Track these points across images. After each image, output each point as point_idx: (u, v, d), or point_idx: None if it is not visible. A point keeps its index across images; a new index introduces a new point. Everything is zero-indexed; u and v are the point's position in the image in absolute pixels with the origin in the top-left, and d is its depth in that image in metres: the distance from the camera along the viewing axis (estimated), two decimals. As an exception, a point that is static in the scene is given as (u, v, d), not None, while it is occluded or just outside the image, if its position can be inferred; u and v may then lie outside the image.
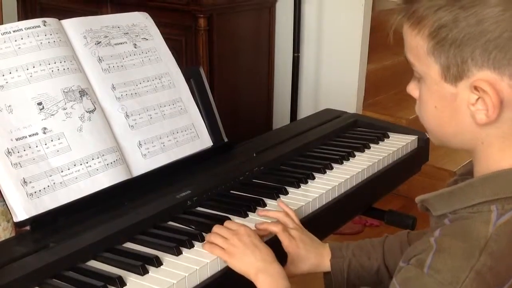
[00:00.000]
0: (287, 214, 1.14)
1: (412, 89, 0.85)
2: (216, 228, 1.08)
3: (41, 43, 1.19)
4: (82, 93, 1.21)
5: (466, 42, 0.74)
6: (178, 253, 1.04)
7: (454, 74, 0.76)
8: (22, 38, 1.17)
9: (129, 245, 1.08)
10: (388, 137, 1.65)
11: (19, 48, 1.16)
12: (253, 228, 1.11)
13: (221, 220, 1.15)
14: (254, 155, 1.46)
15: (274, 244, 1.09)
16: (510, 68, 0.73)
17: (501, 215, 0.75)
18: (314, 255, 1.11)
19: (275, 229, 1.10)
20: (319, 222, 1.28)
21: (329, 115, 1.80)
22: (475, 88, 0.75)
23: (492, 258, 0.72)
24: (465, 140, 0.81)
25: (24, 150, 1.10)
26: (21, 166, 1.08)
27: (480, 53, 0.74)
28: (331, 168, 1.43)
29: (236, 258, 1.01)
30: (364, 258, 1.12)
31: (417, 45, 0.79)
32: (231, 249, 1.02)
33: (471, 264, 0.72)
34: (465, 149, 0.83)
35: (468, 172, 0.87)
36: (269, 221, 1.14)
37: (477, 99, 0.76)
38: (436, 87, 0.79)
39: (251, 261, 1.00)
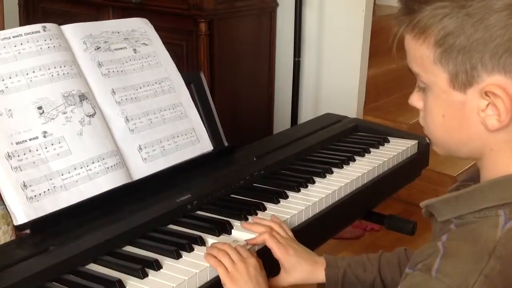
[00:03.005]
0: (271, 229, 1.12)
1: (416, 100, 0.84)
2: (227, 247, 1.05)
3: (40, 48, 1.20)
4: (82, 97, 1.21)
5: (475, 48, 0.73)
6: (178, 256, 1.04)
7: (463, 81, 0.76)
8: (21, 44, 1.18)
9: (129, 248, 1.08)
10: (388, 141, 1.65)
11: (19, 53, 1.17)
12: (243, 243, 1.10)
13: (221, 224, 1.15)
14: (255, 159, 1.46)
15: (265, 254, 1.09)
16: None
17: (509, 219, 0.75)
18: (307, 263, 1.10)
19: (263, 237, 1.10)
20: (319, 226, 1.28)
21: (330, 120, 1.80)
22: (486, 93, 0.75)
23: (501, 262, 0.72)
24: (474, 147, 0.81)
25: (24, 154, 1.10)
26: (21, 170, 1.09)
27: (490, 58, 0.73)
28: (331, 172, 1.43)
29: (236, 285, 1.00)
30: (359, 270, 1.11)
31: (422, 55, 0.78)
32: (235, 275, 1.00)
33: (480, 268, 0.72)
34: (473, 157, 0.82)
35: (470, 179, 0.87)
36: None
37: (487, 105, 0.76)
38: (444, 96, 0.78)
39: None
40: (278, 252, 1.09)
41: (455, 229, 0.79)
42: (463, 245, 0.75)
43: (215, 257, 1.03)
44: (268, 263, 1.08)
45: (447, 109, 0.79)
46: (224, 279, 1.01)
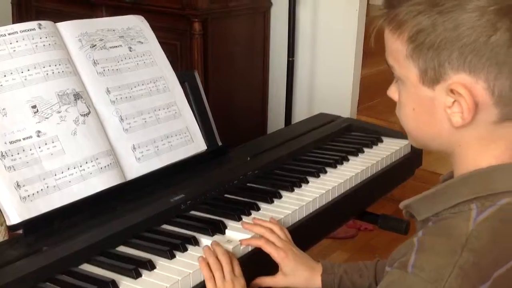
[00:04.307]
0: (272, 231, 1.13)
1: (393, 92, 0.87)
2: (224, 259, 1.04)
3: (36, 46, 1.19)
4: (77, 96, 1.21)
5: (444, 46, 0.75)
6: (171, 256, 1.04)
7: (431, 77, 0.78)
8: (17, 41, 1.17)
9: (123, 248, 1.08)
10: (382, 141, 1.66)
11: (14, 51, 1.16)
12: (237, 243, 1.11)
13: (215, 224, 1.15)
14: (248, 159, 1.46)
15: (261, 254, 1.09)
16: (484, 72, 0.75)
17: (481, 212, 0.76)
18: (305, 269, 1.11)
19: (259, 243, 1.11)
20: (313, 226, 1.28)
21: (323, 120, 1.80)
22: (451, 91, 0.77)
23: (474, 254, 0.73)
24: (443, 142, 0.82)
25: (18, 154, 1.10)
26: (14, 170, 1.08)
27: (457, 57, 0.75)
28: (325, 172, 1.43)
29: None
30: (355, 275, 1.12)
31: (397, 49, 0.80)
32: None
33: (454, 261, 0.73)
34: (443, 152, 0.84)
35: (449, 177, 0.88)
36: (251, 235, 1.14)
37: (453, 102, 0.77)
38: (414, 90, 0.81)
39: None
40: (277, 256, 1.10)
41: (429, 226, 0.81)
42: (436, 239, 0.77)
43: (209, 267, 1.02)
44: (266, 263, 1.08)
45: (417, 103, 0.81)
46: None
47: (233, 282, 1.02)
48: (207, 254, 1.04)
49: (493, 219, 0.76)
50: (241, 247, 1.11)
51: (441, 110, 0.79)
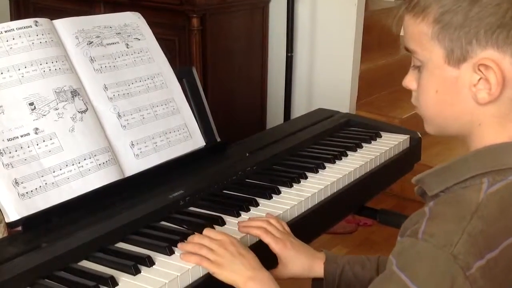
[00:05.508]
0: (269, 223, 1.13)
1: (409, 81, 0.88)
2: (198, 238, 1.05)
3: (32, 43, 1.19)
4: (74, 93, 1.21)
5: (470, 24, 0.78)
6: (170, 252, 1.04)
7: (457, 56, 0.80)
8: (13, 38, 1.17)
9: (122, 245, 1.08)
10: (381, 136, 1.66)
11: (11, 48, 1.16)
12: (236, 231, 1.10)
13: (213, 220, 1.15)
14: (247, 155, 1.46)
15: (260, 248, 1.09)
16: (511, 47, 0.77)
17: (491, 185, 0.78)
18: (305, 257, 1.10)
19: (257, 232, 1.10)
20: (312, 221, 1.28)
21: (322, 115, 1.80)
22: (478, 67, 0.79)
23: (483, 221, 0.75)
24: (464, 123, 0.84)
25: (16, 151, 1.10)
26: (12, 167, 1.08)
27: (484, 33, 0.77)
28: (324, 167, 1.43)
29: (225, 268, 1.00)
30: (358, 267, 1.12)
31: (420, 32, 0.82)
32: (219, 260, 1.00)
33: (463, 227, 0.74)
34: (462, 134, 0.85)
35: None
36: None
37: (479, 80, 0.79)
38: (438, 72, 0.82)
39: (240, 269, 0.99)
40: (275, 246, 1.09)
41: (441, 197, 0.82)
42: (447, 207, 0.78)
43: (193, 254, 1.03)
44: (265, 257, 1.08)
45: (441, 84, 0.83)
46: (210, 269, 1.01)
47: (220, 245, 1.02)
48: (183, 247, 1.04)
49: (503, 192, 0.78)
50: (240, 236, 1.10)
51: (466, 88, 0.80)
